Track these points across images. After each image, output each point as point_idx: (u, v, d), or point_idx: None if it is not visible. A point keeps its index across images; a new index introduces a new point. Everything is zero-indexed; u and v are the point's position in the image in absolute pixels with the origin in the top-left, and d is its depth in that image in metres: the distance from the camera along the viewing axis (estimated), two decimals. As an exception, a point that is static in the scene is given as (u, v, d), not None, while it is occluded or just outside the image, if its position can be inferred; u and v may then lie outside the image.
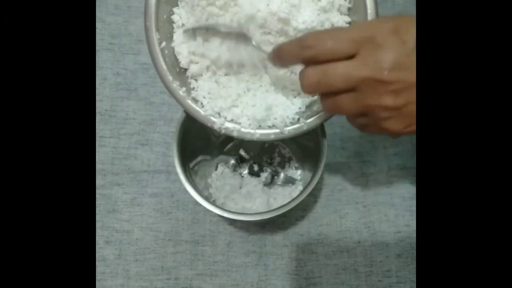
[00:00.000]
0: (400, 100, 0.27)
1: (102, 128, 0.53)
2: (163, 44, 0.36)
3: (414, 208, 0.50)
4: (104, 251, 0.48)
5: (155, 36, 0.36)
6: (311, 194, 0.41)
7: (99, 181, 0.51)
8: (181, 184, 0.41)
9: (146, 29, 0.36)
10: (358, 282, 0.47)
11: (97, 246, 0.48)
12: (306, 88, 0.29)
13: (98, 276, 0.47)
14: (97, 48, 0.57)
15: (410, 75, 0.26)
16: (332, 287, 0.47)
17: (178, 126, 0.43)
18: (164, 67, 0.36)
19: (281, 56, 0.31)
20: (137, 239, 0.49)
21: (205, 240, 0.49)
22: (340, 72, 0.27)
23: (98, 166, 0.51)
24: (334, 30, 0.29)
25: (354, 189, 0.51)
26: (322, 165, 0.42)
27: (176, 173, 0.42)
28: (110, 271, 0.48)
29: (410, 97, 0.27)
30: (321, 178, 0.51)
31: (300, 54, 0.29)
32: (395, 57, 0.26)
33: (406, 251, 0.48)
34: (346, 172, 0.52)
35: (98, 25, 0.58)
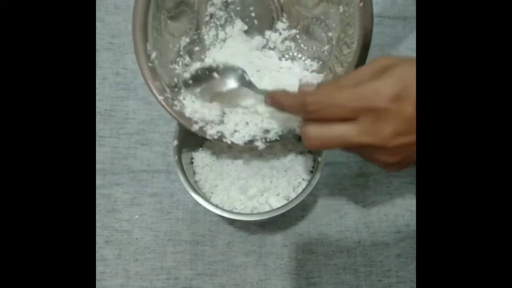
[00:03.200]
0: (397, 158, 0.29)
1: (101, 127, 0.53)
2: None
3: (414, 208, 0.50)
4: (103, 251, 0.48)
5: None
6: (311, 194, 0.41)
7: (98, 180, 0.51)
8: (181, 184, 0.41)
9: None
10: (358, 282, 0.47)
11: (96, 246, 0.48)
12: (309, 147, 0.31)
13: (97, 276, 0.47)
14: (96, 47, 0.56)
15: (407, 139, 0.27)
16: (332, 287, 0.47)
17: (178, 126, 0.43)
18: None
19: (281, 106, 0.33)
20: (136, 239, 0.49)
21: (205, 240, 0.49)
22: (341, 136, 0.28)
23: (97, 166, 0.51)
24: (335, 95, 0.28)
25: (354, 189, 0.51)
26: (322, 165, 0.42)
27: (176, 173, 0.42)
28: (110, 271, 0.48)
29: (407, 153, 0.28)
30: (321, 178, 0.51)
31: (301, 113, 0.31)
32: (395, 126, 0.27)
33: (406, 251, 0.48)
34: (346, 172, 0.52)
35: (98, 24, 0.58)
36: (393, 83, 0.27)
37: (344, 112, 0.28)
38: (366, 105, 0.27)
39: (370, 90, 0.27)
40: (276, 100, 0.33)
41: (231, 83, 0.39)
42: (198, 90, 0.39)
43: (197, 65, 0.41)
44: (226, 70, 0.39)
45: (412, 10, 0.60)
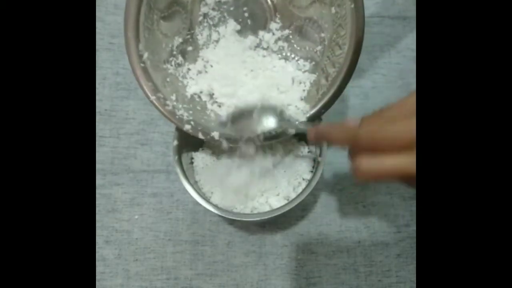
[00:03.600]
0: None
1: (101, 127, 0.53)
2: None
3: (414, 208, 0.50)
4: (103, 251, 0.48)
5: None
6: (311, 194, 0.41)
7: (98, 180, 0.51)
8: (181, 183, 0.41)
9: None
10: (358, 282, 0.47)
11: (96, 246, 0.48)
12: (360, 179, 0.29)
13: (97, 276, 0.47)
14: (96, 47, 0.56)
15: None
16: (332, 287, 0.47)
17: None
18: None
19: (329, 139, 0.33)
20: (136, 239, 0.49)
21: (204, 240, 0.49)
22: (396, 166, 0.27)
23: (97, 166, 0.51)
24: (387, 128, 0.28)
25: (354, 189, 0.51)
26: (322, 165, 0.42)
27: (176, 173, 0.42)
28: (110, 271, 0.48)
29: None
30: (321, 178, 0.51)
31: (352, 145, 0.30)
32: None
33: (406, 251, 0.48)
34: (346, 172, 0.52)
35: (98, 24, 0.58)
36: None
37: (398, 143, 0.27)
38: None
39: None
40: (322, 133, 0.33)
41: (270, 122, 0.38)
42: (234, 129, 0.39)
43: (239, 106, 0.41)
44: (265, 110, 0.39)
45: (412, 10, 0.60)
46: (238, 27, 0.44)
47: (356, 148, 0.29)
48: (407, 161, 0.27)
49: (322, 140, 0.33)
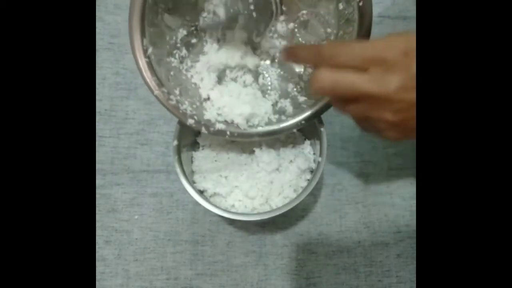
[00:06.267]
0: (400, 117, 0.30)
1: (101, 127, 0.53)
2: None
3: (414, 208, 0.50)
4: (103, 251, 0.48)
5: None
6: (311, 194, 0.41)
7: (98, 181, 0.51)
8: (181, 183, 0.41)
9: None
10: (358, 282, 0.47)
11: (96, 246, 0.48)
12: (315, 90, 0.32)
13: (97, 276, 0.47)
14: (96, 47, 0.56)
15: (412, 95, 0.28)
16: (332, 287, 0.47)
17: (178, 126, 0.43)
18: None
19: (296, 57, 0.35)
20: (136, 239, 0.49)
21: (204, 240, 0.49)
22: (350, 82, 0.30)
23: (97, 166, 0.51)
24: (350, 45, 0.31)
25: (354, 189, 0.51)
26: (322, 165, 0.42)
27: (176, 173, 0.42)
28: (110, 271, 0.48)
29: (410, 114, 0.29)
30: (321, 178, 0.51)
31: (315, 61, 0.33)
32: (402, 80, 0.28)
33: (406, 251, 0.48)
34: (346, 172, 0.52)
35: (98, 24, 0.58)
36: (405, 40, 0.28)
37: (357, 60, 0.29)
38: (377, 56, 0.29)
39: (383, 42, 0.29)
40: (291, 51, 0.35)
41: None
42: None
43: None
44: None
45: (412, 10, 0.60)
46: (246, 38, 0.44)
47: (319, 63, 0.31)
48: (360, 78, 0.29)
49: (292, 58, 0.36)
